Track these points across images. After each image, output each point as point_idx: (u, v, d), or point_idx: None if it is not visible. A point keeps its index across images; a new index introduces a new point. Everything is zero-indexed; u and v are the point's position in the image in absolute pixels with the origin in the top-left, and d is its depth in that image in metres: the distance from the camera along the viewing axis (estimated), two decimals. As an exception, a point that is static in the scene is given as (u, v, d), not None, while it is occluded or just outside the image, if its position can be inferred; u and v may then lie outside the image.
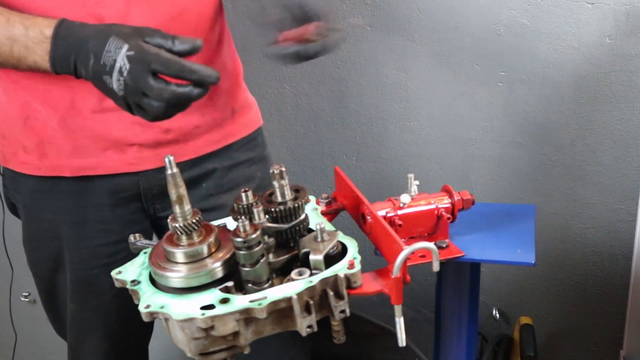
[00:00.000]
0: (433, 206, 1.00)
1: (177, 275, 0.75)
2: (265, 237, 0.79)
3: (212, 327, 0.71)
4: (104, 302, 1.12)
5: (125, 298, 0.79)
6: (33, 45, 0.84)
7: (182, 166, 1.10)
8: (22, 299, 2.16)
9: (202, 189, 1.14)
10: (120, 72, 0.75)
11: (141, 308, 0.74)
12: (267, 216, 0.81)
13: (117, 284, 0.81)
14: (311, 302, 0.74)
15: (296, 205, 0.81)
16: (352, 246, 0.81)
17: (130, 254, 0.83)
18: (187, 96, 0.80)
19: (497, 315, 1.82)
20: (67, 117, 1.03)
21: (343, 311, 0.77)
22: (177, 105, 0.81)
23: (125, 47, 0.75)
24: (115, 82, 0.77)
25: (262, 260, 0.76)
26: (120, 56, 0.75)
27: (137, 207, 1.12)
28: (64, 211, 1.10)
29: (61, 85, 1.01)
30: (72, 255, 1.12)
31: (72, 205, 1.10)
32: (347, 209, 0.95)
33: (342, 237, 0.83)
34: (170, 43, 0.78)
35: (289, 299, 0.73)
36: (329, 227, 0.85)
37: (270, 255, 0.80)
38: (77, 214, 1.10)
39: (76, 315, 1.16)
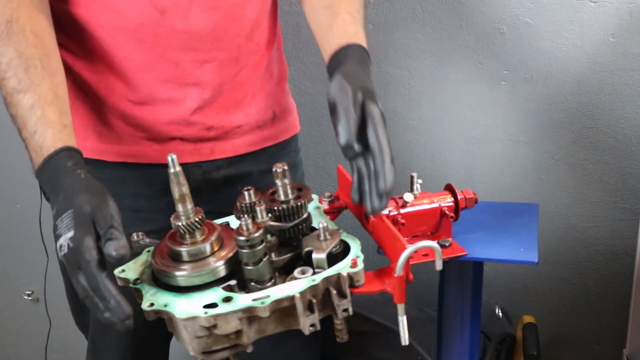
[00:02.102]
0: (436, 205, 1.00)
1: (180, 274, 0.76)
2: (268, 236, 0.80)
3: (215, 326, 0.71)
4: (128, 296, 1.11)
5: None
6: (31, 146, 0.85)
7: (220, 164, 1.13)
8: (25, 297, 2.17)
9: (238, 192, 1.15)
10: (60, 248, 0.75)
11: (144, 307, 0.74)
12: (269, 215, 0.81)
13: (120, 283, 0.81)
14: (314, 300, 0.75)
15: (299, 204, 0.82)
16: (355, 245, 0.81)
17: None
18: (98, 310, 0.75)
19: (500, 314, 1.82)
20: (114, 105, 1.05)
21: (346, 310, 0.77)
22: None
23: (70, 234, 0.74)
24: (57, 247, 0.77)
25: (264, 259, 0.76)
26: (65, 238, 0.75)
27: (172, 200, 1.12)
28: None
29: (113, 75, 1.03)
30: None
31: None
32: (349, 208, 0.95)
33: (344, 235, 0.83)
34: (103, 243, 0.75)
35: (292, 298, 0.73)
36: (331, 225, 0.86)
37: (273, 254, 0.80)
38: None
39: None
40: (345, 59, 0.94)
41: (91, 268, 0.72)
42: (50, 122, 0.85)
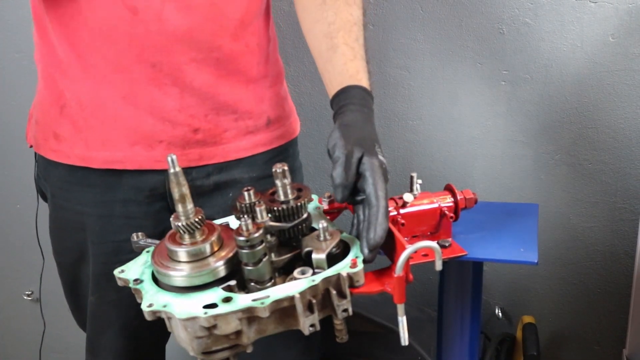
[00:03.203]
0: (436, 205, 1.00)
1: (179, 274, 0.75)
2: (268, 236, 0.80)
3: (214, 326, 0.71)
4: (123, 297, 1.11)
5: None
6: None
7: (210, 170, 1.11)
8: (25, 297, 2.16)
9: (229, 199, 1.14)
10: None
11: (144, 307, 0.74)
12: (269, 215, 0.81)
13: (119, 283, 0.81)
14: (314, 301, 0.75)
15: (298, 204, 0.82)
16: (355, 245, 0.81)
17: None
18: None
19: (500, 314, 1.82)
20: (97, 110, 1.04)
21: (346, 310, 0.77)
22: None
23: None
24: None
25: (264, 259, 0.76)
26: None
27: (162, 206, 1.12)
28: (91, 204, 1.10)
29: (93, 79, 1.02)
30: (95, 248, 1.12)
31: (100, 200, 1.10)
32: (349, 208, 0.95)
33: (344, 236, 0.83)
34: None
35: (292, 298, 0.73)
36: (331, 226, 0.85)
37: (273, 254, 0.80)
38: (104, 208, 1.10)
39: (95, 308, 1.17)
40: (346, 106, 0.94)
41: None
42: None
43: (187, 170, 1.08)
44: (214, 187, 1.12)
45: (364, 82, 0.97)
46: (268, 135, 1.16)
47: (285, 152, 1.21)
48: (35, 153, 1.17)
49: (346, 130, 0.88)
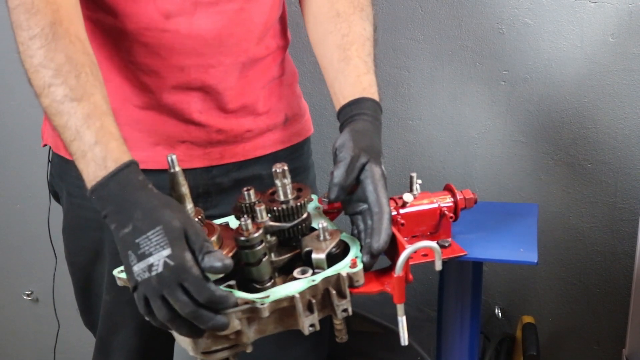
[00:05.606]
0: (435, 205, 1.00)
1: (179, 274, 0.75)
2: (268, 236, 0.80)
3: (214, 326, 0.71)
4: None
5: None
6: (89, 158, 0.79)
7: (230, 167, 1.12)
8: (25, 297, 2.16)
9: None
10: (150, 268, 0.71)
11: (144, 307, 0.74)
12: (269, 215, 0.81)
13: (119, 283, 0.81)
14: (313, 301, 0.75)
15: (298, 204, 0.82)
16: (355, 245, 0.82)
17: None
18: (203, 322, 0.71)
19: (500, 314, 1.82)
20: (120, 111, 1.03)
21: (345, 310, 0.77)
22: (185, 324, 0.73)
23: (168, 251, 0.70)
24: (138, 268, 0.72)
25: (264, 259, 0.76)
26: (158, 256, 0.70)
27: None
28: None
29: (119, 80, 1.02)
30: (112, 247, 1.10)
31: None
32: (350, 209, 0.95)
33: (344, 236, 0.83)
34: (201, 258, 0.72)
35: (292, 298, 0.73)
36: (331, 226, 0.86)
37: (273, 254, 0.80)
38: None
39: (110, 307, 1.16)
40: (359, 115, 0.96)
41: (202, 282, 0.70)
42: (111, 133, 0.81)
43: (207, 169, 1.09)
44: (234, 184, 1.13)
45: (376, 97, 0.99)
46: (286, 133, 1.18)
47: (301, 149, 1.23)
48: (51, 153, 1.17)
49: (357, 135, 0.89)
